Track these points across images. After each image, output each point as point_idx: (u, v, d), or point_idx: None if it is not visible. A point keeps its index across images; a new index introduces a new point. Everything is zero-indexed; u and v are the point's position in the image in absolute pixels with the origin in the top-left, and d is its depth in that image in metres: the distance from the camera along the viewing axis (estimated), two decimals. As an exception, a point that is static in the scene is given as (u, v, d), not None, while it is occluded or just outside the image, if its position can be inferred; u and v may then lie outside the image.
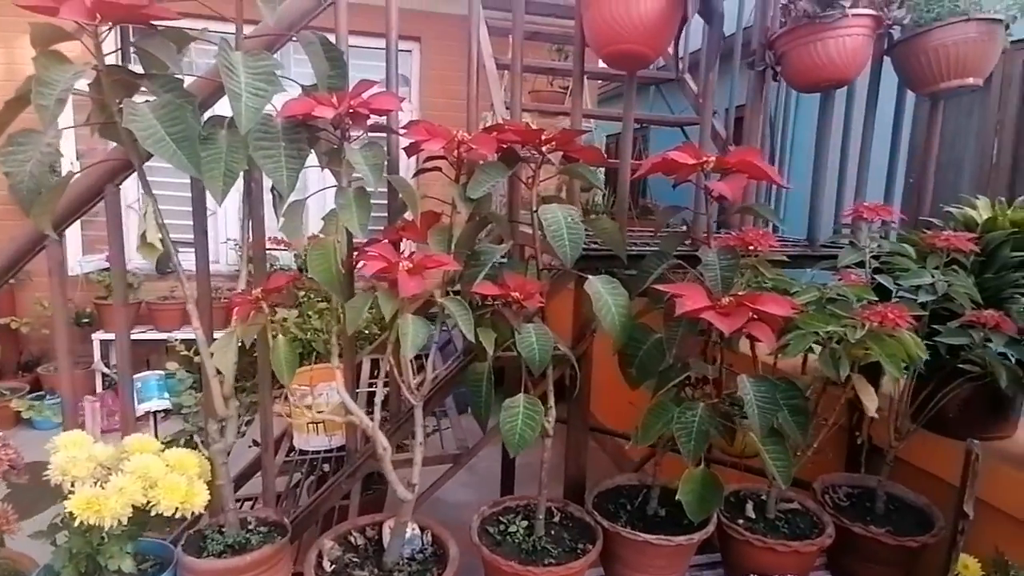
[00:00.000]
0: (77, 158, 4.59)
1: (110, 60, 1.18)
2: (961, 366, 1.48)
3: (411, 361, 1.33)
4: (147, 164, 1.29)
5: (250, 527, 1.46)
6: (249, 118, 1.09)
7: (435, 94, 5.38)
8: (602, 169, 3.84)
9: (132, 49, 1.21)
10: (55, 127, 1.07)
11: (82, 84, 1.14)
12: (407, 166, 1.94)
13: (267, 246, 1.58)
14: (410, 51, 5.40)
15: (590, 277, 1.37)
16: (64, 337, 1.54)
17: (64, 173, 1.18)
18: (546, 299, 1.39)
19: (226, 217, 5.03)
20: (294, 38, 1.38)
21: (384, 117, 1.43)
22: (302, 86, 1.34)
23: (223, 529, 1.42)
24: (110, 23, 1.10)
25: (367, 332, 3.05)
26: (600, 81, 5.30)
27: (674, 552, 1.45)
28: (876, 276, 1.53)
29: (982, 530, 1.46)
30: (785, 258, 1.59)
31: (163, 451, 1.34)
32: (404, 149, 1.43)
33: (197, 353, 1.38)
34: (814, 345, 1.35)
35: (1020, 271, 1.53)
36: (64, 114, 1.05)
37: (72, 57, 1.10)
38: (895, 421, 1.60)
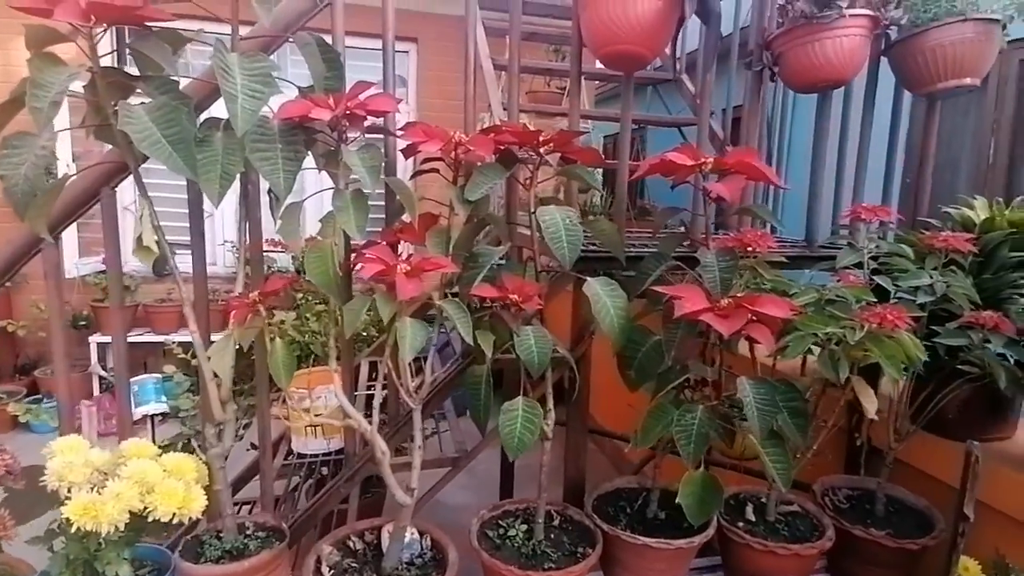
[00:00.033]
0: (73, 160, 4.58)
1: (106, 62, 1.18)
2: (960, 367, 1.48)
3: (409, 364, 1.32)
4: (143, 166, 1.28)
5: (248, 532, 1.45)
6: (245, 120, 1.09)
7: (432, 95, 5.38)
8: (600, 170, 3.85)
9: (128, 51, 1.20)
10: (50, 129, 1.06)
11: (77, 86, 1.13)
12: (405, 168, 1.93)
13: (264, 248, 1.57)
14: (407, 52, 5.40)
15: (589, 279, 1.36)
16: (60, 341, 1.53)
17: (60, 175, 1.17)
18: (544, 301, 1.39)
19: (223, 219, 5.02)
20: (290, 39, 1.37)
21: (381, 119, 1.43)
22: (299, 88, 1.33)
23: (221, 534, 1.41)
24: (105, 25, 1.09)
25: (365, 334, 3.05)
26: (597, 82, 5.29)
27: (674, 555, 1.44)
28: (875, 277, 1.53)
29: (982, 532, 1.45)
30: (784, 259, 1.59)
31: (160, 456, 1.33)
32: (401, 151, 1.43)
33: (194, 356, 1.38)
34: (813, 347, 1.35)
35: (1018, 271, 1.53)
36: (60, 116, 1.05)
37: (68, 59, 1.09)
38: (894, 423, 1.60)
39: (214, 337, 1.42)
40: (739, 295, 1.25)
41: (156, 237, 1.31)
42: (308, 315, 2.92)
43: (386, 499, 2.72)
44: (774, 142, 2.44)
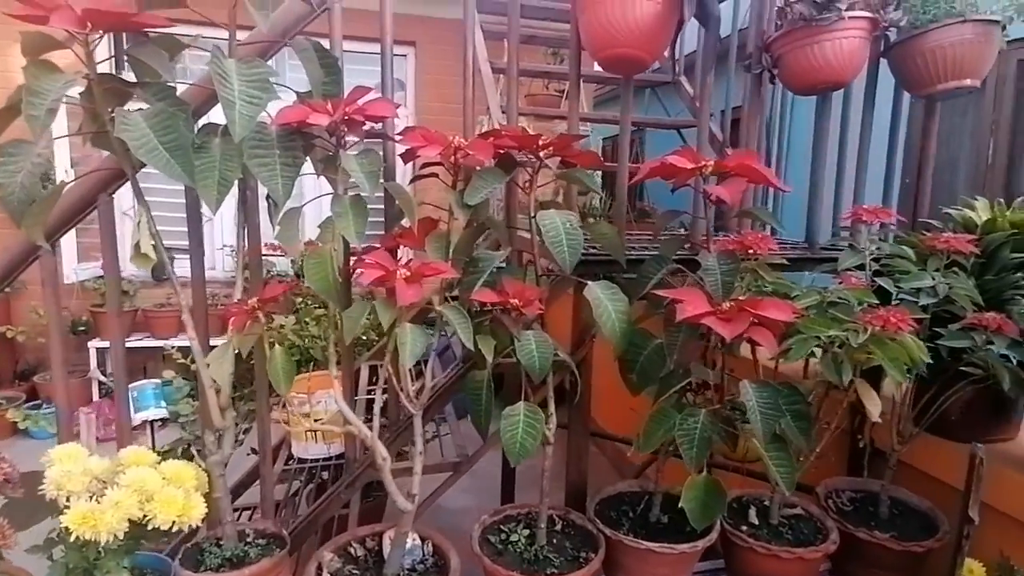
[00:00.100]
0: (71, 166, 4.57)
1: (104, 68, 1.17)
2: (963, 369, 1.47)
3: (410, 369, 1.31)
4: (141, 172, 1.27)
5: (248, 539, 1.44)
6: (243, 126, 1.08)
7: (431, 98, 5.38)
8: (599, 172, 3.84)
9: (125, 57, 1.20)
10: (46, 137, 1.06)
11: (75, 92, 1.13)
12: (404, 172, 1.92)
13: (263, 252, 1.57)
14: (405, 55, 5.40)
15: (589, 283, 1.36)
16: (59, 349, 1.53)
17: (58, 181, 1.17)
18: (545, 305, 1.38)
19: (222, 224, 5.01)
20: (288, 44, 1.36)
21: (380, 124, 1.42)
22: (297, 93, 1.33)
23: (221, 542, 1.40)
24: (101, 31, 1.08)
25: (365, 338, 3.04)
26: (596, 84, 5.29)
27: (677, 560, 1.43)
28: (876, 279, 1.52)
29: (986, 533, 1.44)
30: (785, 261, 1.58)
31: (159, 463, 1.32)
32: (400, 155, 1.42)
33: (194, 361, 1.37)
34: (816, 349, 1.34)
35: (1020, 272, 1.53)
36: (58, 122, 1.04)
37: (65, 66, 1.09)
38: (897, 425, 1.59)
39: (214, 342, 1.42)
40: (741, 298, 1.25)
41: (153, 242, 1.30)
42: (307, 319, 2.91)
43: (387, 504, 2.71)
44: (773, 143, 2.44)
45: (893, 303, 1.47)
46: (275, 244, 1.65)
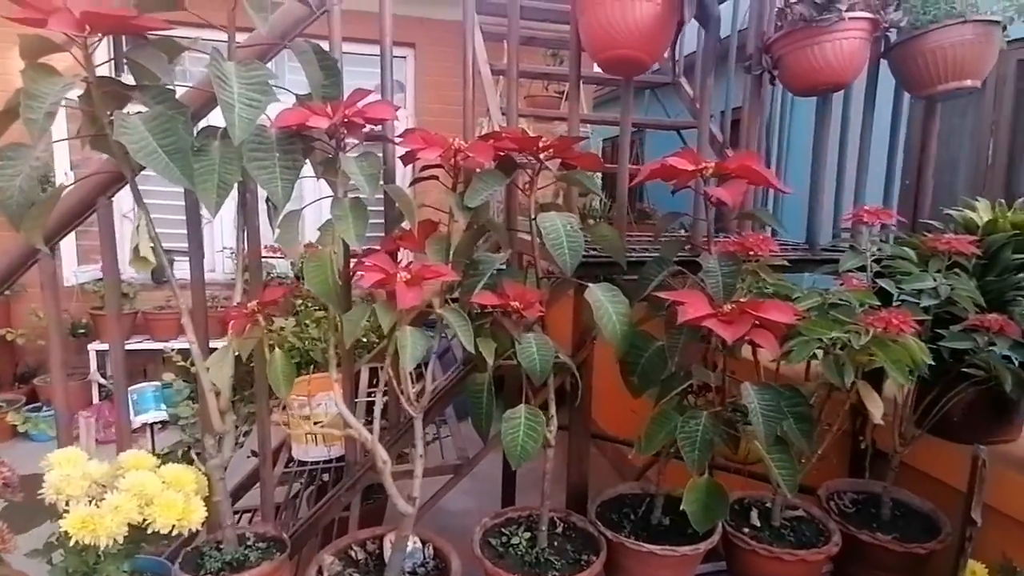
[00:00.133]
0: (71, 168, 4.57)
1: (103, 71, 1.17)
2: (965, 370, 1.47)
3: (410, 372, 1.31)
4: (141, 174, 1.27)
5: (248, 543, 1.44)
6: (243, 129, 1.08)
7: (430, 100, 5.38)
8: (599, 173, 3.84)
9: (124, 60, 1.19)
10: (45, 141, 1.05)
11: (74, 95, 1.12)
12: (403, 174, 1.92)
13: (263, 255, 1.56)
14: (404, 57, 5.39)
15: (590, 285, 1.35)
16: (58, 352, 1.52)
17: (58, 183, 1.16)
18: (545, 307, 1.38)
19: (222, 226, 5.01)
20: (287, 47, 1.36)
21: (380, 126, 1.42)
22: (296, 95, 1.32)
23: (221, 546, 1.40)
24: (99, 34, 1.08)
25: (365, 340, 3.03)
26: (595, 85, 5.29)
27: (679, 562, 1.43)
28: (878, 280, 1.52)
29: (988, 535, 1.44)
30: (786, 263, 1.58)
31: (159, 467, 1.32)
32: (400, 158, 1.42)
33: (194, 363, 1.37)
34: (817, 351, 1.34)
35: (1022, 273, 1.52)
36: (58, 125, 1.04)
37: (64, 69, 1.08)
38: (899, 426, 1.59)
39: (214, 344, 1.41)
40: (742, 300, 1.24)
41: (152, 244, 1.29)
42: (308, 321, 2.91)
43: (388, 506, 2.70)
44: (773, 144, 2.43)
45: (894, 304, 1.46)
46: (275, 246, 1.64)
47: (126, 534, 1.19)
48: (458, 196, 1.32)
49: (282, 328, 2.72)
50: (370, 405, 2.48)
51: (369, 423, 1.39)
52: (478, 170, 1.32)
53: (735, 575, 1.56)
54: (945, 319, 1.49)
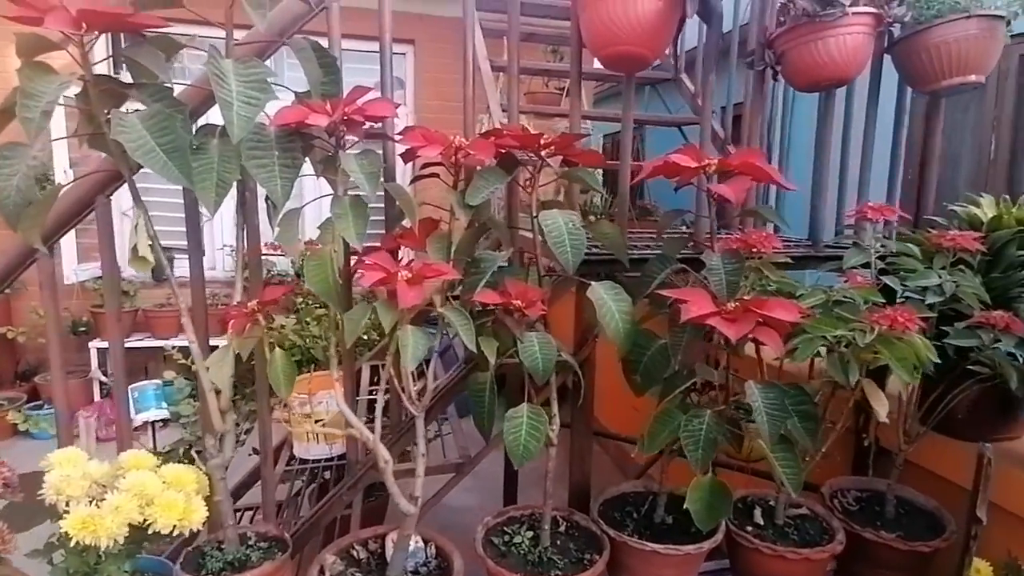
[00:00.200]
0: (70, 166, 4.55)
1: (102, 69, 1.16)
2: (970, 367, 1.46)
3: (411, 370, 1.30)
4: (140, 172, 1.26)
5: (250, 543, 1.43)
6: (241, 127, 1.07)
7: (430, 96, 5.36)
8: (600, 169, 3.83)
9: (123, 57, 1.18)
10: (43, 139, 1.04)
11: (72, 94, 1.11)
12: (404, 172, 1.91)
13: (263, 252, 1.55)
14: (404, 54, 5.37)
15: (592, 283, 1.34)
16: (57, 352, 1.52)
17: (57, 182, 1.15)
18: (547, 305, 1.37)
19: (222, 223, 5.00)
20: (286, 44, 1.35)
21: (380, 123, 1.40)
22: (295, 93, 1.31)
23: (222, 545, 1.39)
24: (96, 32, 1.07)
25: (366, 338, 3.03)
26: (596, 81, 5.27)
27: (683, 561, 1.42)
28: (882, 277, 1.51)
29: (993, 533, 1.43)
30: (789, 260, 1.57)
31: (160, 467, 1.31)
32: (401, 155, 1.41)
33: (194, 362, 1.36)
34: (821, 349, 1.33)
35: (1027, 269, 1.51)
36: (57, 124, 1.03)
37: (62, 67, 1.07)
38: (904, 424, 1.58)
39: (214, 342, 1.40)
40: (746, 298, 1.23)
41: (151, 243, 1.28)
42: (308, 319, 2.90)
43: (389, 504, 2.70)
44: (774, 140, 2.42)
45: (898, 301, 1.45)
46: (275, 244, 1.64)
47: (127, 534, 1.18)
48: (459, 194, 1.31)
49: (283, 326, 2.71)
50: (371, 403, 2.47)
51: (370, 422, 1.38)
52: (479, 168, 1.31)
53: (738, 574, 1.55)
54: (950, 316, 1.48)
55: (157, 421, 3.10)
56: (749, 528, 1.52)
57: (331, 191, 1.28)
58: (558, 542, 1.50)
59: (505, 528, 1.54)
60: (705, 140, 1.70)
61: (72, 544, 1.16)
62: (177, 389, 3.01)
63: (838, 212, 2.00)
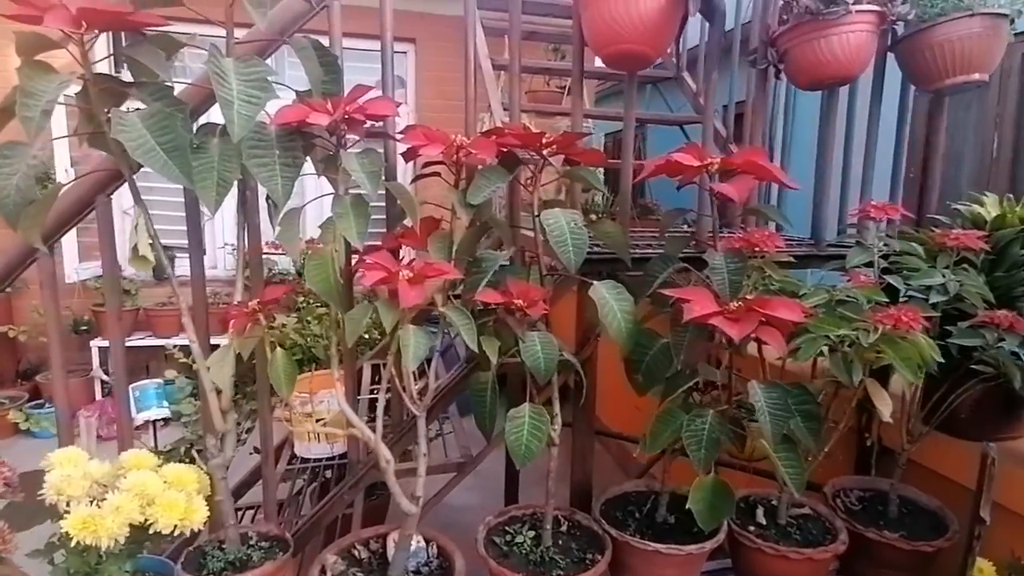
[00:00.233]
0: (71, 165, 4.55)
1: (102, 68, 1.15)
2: (974, 367, 1.45)
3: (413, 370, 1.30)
4: (140, 171, 1.25)
5: (251, 542, 1.43)
6: (242, 126, 1.06)
7: (431, 95, 5.35)
8: (601, 168, 3.82)
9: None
10: (43, 138, 1.04)
11: (72, 92, 1.11)
12: (405, 171, 1.90)
13: (264, 251, 1.55)
14: (405, 52, 5.37)
15: (595, 283, 1.34)
16: (58, 352, 1.51)
17: (59, 180, 1.15)
18: (549, 304, 1.36)
19: (223, 222, 5.00)
20: (287, 42, 1.34)
21: (381, 122, 1.40)
22: (296, 92, 1.31)
23: (223, 545, 1.39)
24: (96, 31, 1.06)
25: (367, 336, 3.03)
26: (597, 80, 5.26)
27: (685, 561, 1.42)
28: (885, 276, 1.50)
29: (996, 532, 1.43)
30: (792, 259, 1.56)
31: (161, 466, 1.31)
32: (402, 154, 1.40)
33: (195, 360, 1.35)
34: (824, 348, 1.32)
35: (1031, 268, 1.51)
36: (58, 122, 1.03)
37: (62, 66, 1.07)
38: (907, 423, 1.57)
39: (216, 341, 1.40)
40: (749, 297, 1.23)
41: (151, 243, 1.28)
42: (309, 318, 2.90)
43: (391, 502, 2.70)
44: (776, 138, 2.41)
45: (901, 301, 1.45)
46: (276, 243, 1.63)
47: (128, 534, 1.18)
48: (461, 193, 1.30)
49: (284, 325, 2.71)
50: (372, 402, 2.47)
51: (372, 421, 1.38)
52: (480, 167, 1.30)
53: (740, 573, 1.55)
54: (953, 315, 1.47)
55: (158, 420, 3.09)
56: (751, 528, 1.51)
57: (332, 190, 1.28)
58: (560, 542, 1.49)
59: (507, 528, 1.53)
60: (707, 139, 1.69)
61: (73, 544, 1.15)
62: (178, 388, 3.01)
63: (840, 211, 1.99)
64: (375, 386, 2.79)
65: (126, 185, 1.29)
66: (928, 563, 1.50)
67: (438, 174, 1.38)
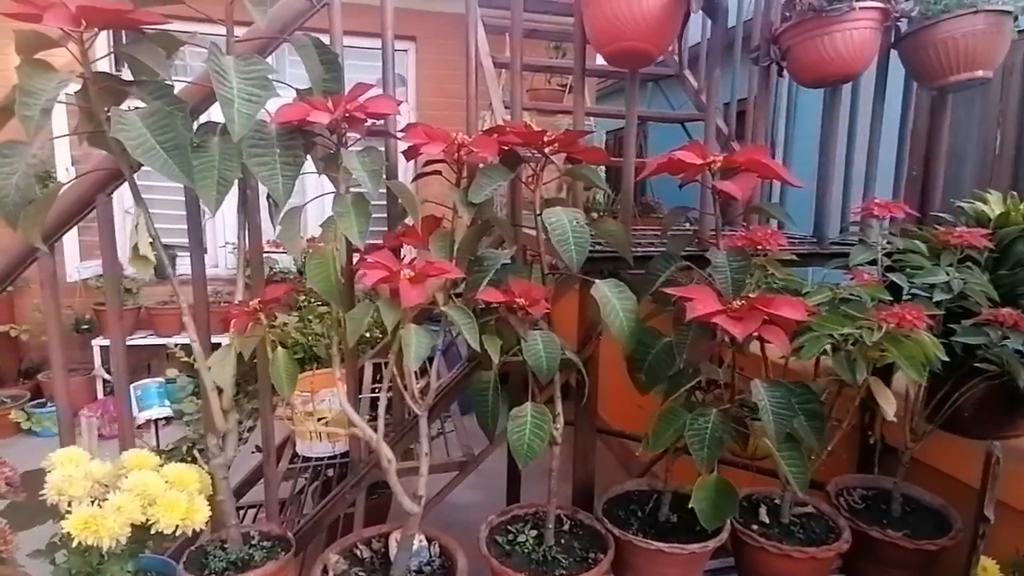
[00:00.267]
0: (72, 164, 4.55)
1: (103, 66, 1.15)
2: (978, 365, 1.45)
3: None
4: (141, 169, 1.25)
5: (253, 542, 1.43)
6: (242, 125, 1.06)
7: (432, 93, 5.35)
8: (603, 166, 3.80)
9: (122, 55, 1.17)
10: (42, 137, 1.03)
11: (72, 91, 1.10)
12: (406, 169, 1.90)
13: (266, 250, 1.55)
14: (406, 50, 5.36)
15: (597, 282, 1.33)
16: (58, 352, 1.51)
17: (60, 178, 1.15)
18: (550, 303, 1.36)
19: (224, 220, 5.00)
20: (287, 41, 1.34)
21: (382, 120, 1.40)
22: (297, 90, 1.30)
23: (225, 545, 1.39)
24: (96, 29, 1.06)
25: (369, 335, 3.02)
26: (598, 78, 5.25)
27: (688, 560, 1.41)
28: (889, 274, 1.49)
29: (1000, 531, 1.42)
30: (795, 257, 1.56)
31: (162, 466, 1.30)
32: (403, 153, 1.40)
33: (197, 360, 1.35)
34: (828, 347, 1.32)
35: (1035, 266, 1.50)
36: (59, 120, 1.02)
37: (64, 64, 1.06)
38: (910, 422, 1.57)
39: (217, 340, 1.39)
40: (752, 296, 1.22)
41: (151, 242, 1.28)
42: (311, 317, 2.89)
43: (393, 501, 2.70)
44: (777, 135, 2.40)
45: (904, 299, 1.44)
46: (277, 242, 1.63)
47: (129, 534, 1.17)
48: (462, 191, 1.30)
49: (285, 324, 2.71)
50: (374, 401, 2.47)
51: (373, 420, 1.37)
52: (482, 165, 1.30)
53: (743, 572, 1.55)
54: (957, 313, 1.46)
55: (160, 419, 3.10)
56: (754, 526, 1.51)
57: (333, 189, 1.27)
58: (562, 541, 1.49)
59: (509, 527, 1.53)
60: (710, 136, 1.68)
61: (74, 544, 1.15)
62: (180, 387, 3.01)
63: (843, 209, 1.99)
64: (376, 385, 2.79)
65: (127, 184, 1.28)
66: (932, 562, 1.50)
67: (439, 172, 1.38)
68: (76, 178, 1.42)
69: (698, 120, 2.86)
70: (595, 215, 3.01)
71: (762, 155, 1.27)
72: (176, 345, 3.40)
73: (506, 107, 2.04)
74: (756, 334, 1.18)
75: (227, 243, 4.99)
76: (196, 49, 1.22)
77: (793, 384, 1.28)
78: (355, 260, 1.42)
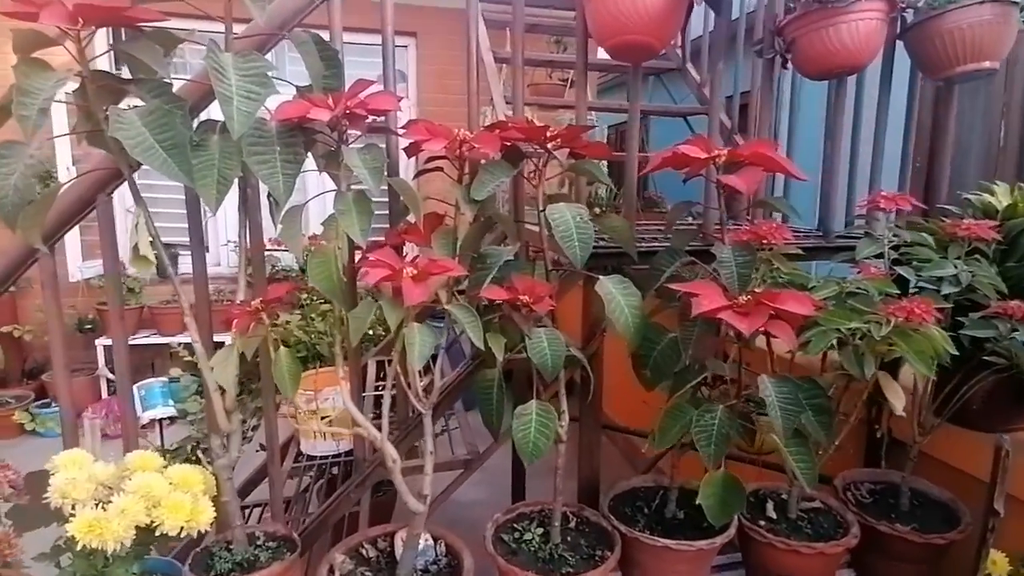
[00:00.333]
0: (73, 163, 4.54)
1: (102, 64, 1.13)
2: (986, 358, 1.43)
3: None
4: (141, 168, 1.24)
5: (259, 542, 1.42)
6: (241, 122, 1.04)
7: (433, 89, 5.33)
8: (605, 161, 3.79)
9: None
10: (40, 137, 1.03)
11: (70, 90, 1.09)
12: (407, 166, 1.89)
13: (268, 247, 1.54)
14: (406, 46, 5.34)
15: (601, 278, 1.32)
16: (60, 353, 1.50)
17: (61, 178, 1.14)
18: (555, 299, 1.35)
19: (226, 219, 4.99)
20: (287, 37, 1.33)
21: (383, 117, 1.38)
22: (297, 87, 1.29)
23: (231, 546, 1.38)
24: (93, 27, 1.05)
25: (372, 333, 3.01)
26: (600, 72, 5.23)
27: (695, 557, 1.41)
28: (896, 268, 1.48)
29: (1009, 524, 1.41)
30: (800, 251, 1.54)
31: (166, 467, 1.30)
32: (404, 149, 1.38)
33: (199, 360, 1.34)
34: (834, 341, 1.31)
35: (1043, 258, 1.48)
36: (59, 120, 1.01)
37: (62, 63, 1.05)
38: (918, 415, 1.56)
39: (220, 338, 1.39)
40: (758, 291, 1.21)
41: (151, 241, 1.26)
42: (313, 315, 2.89)
43: (398, 500, 2.69)
44: (781, 128, 2.38)
45: (911, 292, 1.43)
46: (279, 240, 1.62)
47: (134, 536, 1.17)
48: (464, 188, 1.29)
49: (287, 322, 2.70)
50: (378, 399, 2.46)
51: (377, 418, 1.37)
52: (484, 161, 1.29)
53: (751, 567, 1.54)
54: (965, 306, 1.45)
55: (164, 419, 3.09)
56: (762, 522, 1.50)
57: (334, 186, 1.26)
58: (569, 538, 1.48)
59: (515, 525, 1.52)
60: (713, 130, 1.67)
61: (79, 547, 1.15)
62: (183, 386, 3.00)
63: (848, 202, 1.97)
64: (380, 382, 2.78)
65: (125, 185, 1.27)
66: (940, 556, 1.49)
67: (441, 169, 1.37)
68: (76, 178, 1.41)
69: (701, 114, 2.85)
70: (598, 210, 3.00)
71: (767, 148, 1.25)
72: (180, 344, 3.40)
73: (507, 102, 2.03)
74: (762, 329, 1.17)
75: (229, 241, 4.98)
76: (195, 46, 1.21)
77: (800, 379, 1.27)
78: (357, 258, 1.41)
